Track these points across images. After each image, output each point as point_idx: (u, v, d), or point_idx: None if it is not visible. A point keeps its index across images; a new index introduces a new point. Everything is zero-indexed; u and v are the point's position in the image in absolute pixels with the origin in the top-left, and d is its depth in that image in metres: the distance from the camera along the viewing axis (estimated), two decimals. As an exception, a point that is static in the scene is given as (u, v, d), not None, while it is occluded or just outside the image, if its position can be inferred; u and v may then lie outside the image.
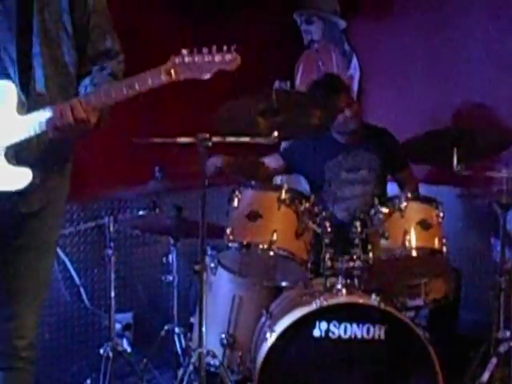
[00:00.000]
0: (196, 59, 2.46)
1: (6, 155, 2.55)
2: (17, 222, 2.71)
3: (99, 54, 2.72)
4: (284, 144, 4.67)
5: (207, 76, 2.48)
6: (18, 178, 2.56)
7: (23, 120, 2.54)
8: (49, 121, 2.50)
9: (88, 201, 4.45)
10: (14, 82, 2.55)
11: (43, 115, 2.52)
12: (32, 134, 2.53)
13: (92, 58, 2.72)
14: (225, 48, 2.48)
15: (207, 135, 3.28)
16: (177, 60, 2.47)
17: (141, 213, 4.11)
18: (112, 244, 3.87)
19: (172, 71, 2.46)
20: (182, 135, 3.35)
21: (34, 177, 2.56)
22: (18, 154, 2.57)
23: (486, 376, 3.64)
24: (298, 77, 5.66)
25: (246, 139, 3.51)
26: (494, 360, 3.65)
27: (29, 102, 2.57)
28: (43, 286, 2.90)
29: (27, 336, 2.83)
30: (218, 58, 2.47)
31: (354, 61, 5.54)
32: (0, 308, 2.80)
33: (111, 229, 3.86)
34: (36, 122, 2.53)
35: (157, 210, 4.03)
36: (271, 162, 4.46)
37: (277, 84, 5.34)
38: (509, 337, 3.60)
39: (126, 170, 4.52)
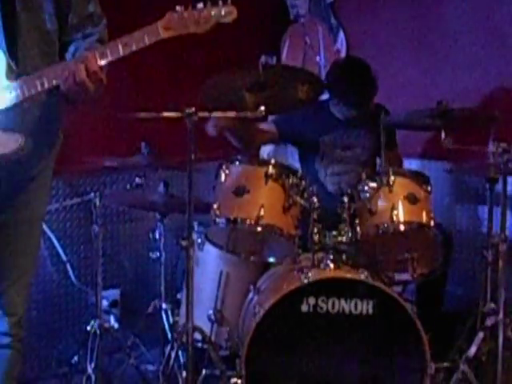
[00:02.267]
0: (192, 14, 2.46)
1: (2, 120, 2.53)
2: (6, 195, 2.69)
3: (83, 19, 2.71)
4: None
5: (204, 30, 2.48)
6: (9, 142, 2.53)
7: (13, 86, 2.51)
8: (60, 77, 2.48)
9: (74, 177, 4.44)
10: (1, 48, 2.52)
11: (32, 80, 2.50)
12: (21, 98, 2.51)
13: (75, 25, 2.70)
14: (220, 2, 2.48)
15: (193, 110, 3.26)
16: (174, 15, 2.46)
17: (127, 188, 4.09)
18: (98, 220, 3.85)
19: (169, 26, 2.46)
20: (168, 110, 3.33)
21: (25, 141, 2.53)
22: (7, 119, 2.53)
23: (472, 350, 3.65)
24: (285, 51, 5.64)
25: (233, 114, 3.51)
26: (480, 334, 3.66)
27: (18, 67, 2.54)
28: (31, 262, 2.89)
29: (16, 313, 2.82)
30: (214, 11, 2.47)
31: (341, 35, 5.51)
32: None
33: (97, 205, 3.84)
34: (26, 85, 2.50)
35: (143, 186, 4.02)
36: (265, 127, 4.43)
37: (263, 58, 5.33)
38: (495, 310, 3.60)
39: (111, 146, 4.50)
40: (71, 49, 2.70)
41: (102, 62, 2.47)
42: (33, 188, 2.76)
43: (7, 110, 2.52)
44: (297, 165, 4.45)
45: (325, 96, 4.33)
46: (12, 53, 2.54)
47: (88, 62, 2.45)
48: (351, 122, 4.34)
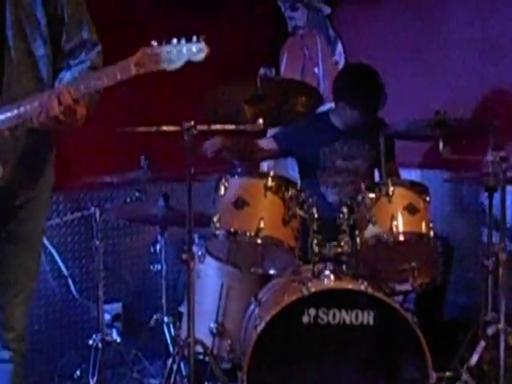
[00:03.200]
0: (164, 50, 2.42)
1: None
2: (3, 213, 2.70)
3: (75, 46, 2.70)
4: (275, 130, 4.67)
5: (175, 67, 2.43)
6: None
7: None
8: (33, 112, 2.46)
9: (74, 191, 4.44)
10: None
11: (11, 110, 2.49)
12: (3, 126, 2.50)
13: (68, 51, 2.70)
14: (194, 38, 2.43)
15: (192, 123, 3.26)
16: (147, 51, 2.42)
17: (127, 202, 4.13)
18: (99, 234, 3.86)
19: (141, 63, 2.41)
20: (168, 124, 3.33)
21: (3, 173, 2.55)
22: None
23: (474, 359, 3.66)
24: (283, 63, 5.66)
25: (232, 127, 3.51)
26: (482, 343, 3.66)
27: (1, 94, 2.54)
28: (31, 277, 2.89)
29: (16, 328, 2.82)
30: (185, 48, 2.42)
31: (339, 47, 5.53)
32: None
33: (98, 219, 3.86)
34: (6, 117, 2.49)
35: (143, 199, 4.06)
36: (264, 144, 4.44)
37: (262, 71, 5.35)
38: (497, 319, 3.59)
39: (111, 160, 4.50)
40: (60, 76, 2.69)
41: (75, 96, 2.44)
42: (31, 206, 2.76)
43: None
44: (297, 176, 4.46)
45: (323, 108, 4.34)
46: None
47: (61, 96, 2.41)
48: (351, 133, 4.35)
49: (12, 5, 2.56)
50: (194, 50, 2.41)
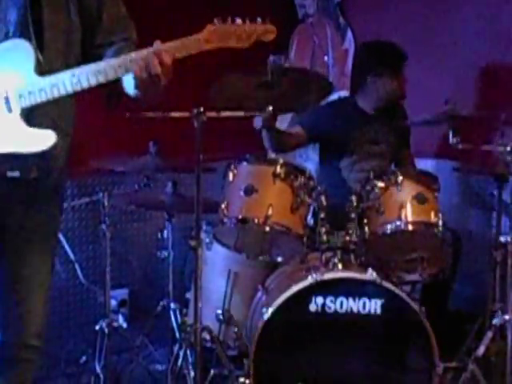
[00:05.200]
0: (233, 28, 2.47)
1: (24, 116, 2.46)
2: (20, 203, 2.65)
3: (117, 21, 2.69)
4: (300, 116, 4.66)
5: (244, 45, 2.50)
6: (39, 140, 2.47)
7: (43, 81, 2.45)
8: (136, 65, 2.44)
9: (82, 176, 4.46)
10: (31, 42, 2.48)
11: (65, 76, 2.45)
12: (55, 95, 2.45)
13: (109, 27, 2.67)
14: (259, 19, 2.50)
15: (202, 110, 3.26)
16: (213, 28, 2.46)
17: (136, 188, 4.12)
18: (107, 220, 3.87)
19: (211, 38, 2.46)
20: (177, 110, 3.34)
21: (57, 139, 2.48)
22: (36, 115, 2.48)
23: (481, 349, 3.65)
24: (293, 51, 5.68)
25: (241, 114, 3.52)
26: (489, 333, 3.66)
27: (46, 63, 2.50)
28: (48, 270, 2.82)
29: (35, 323, 2.76)
30: (255, 27, 2.49)
31: (349, 34, 5.54)
32: (5, 295, 2.72)
33: (106, 204, 3.86)
34: (57, 82, 2.44)
35: (152, 186, 4.06)
36: (293, 132, 4.42)
37: (271, 58, 5.32)
38: (504, 310, 3.61)
39: (120, 145, 4.52)
40: (104, 52, 2.64)
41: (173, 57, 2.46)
42: (48, 193, 2.71)
43: (36, 105, 2.47)
44: (305, 164, 4.45)
45: (333, 96, 4.33)
46: (40, 48, 2.50)
47: (163, 56, 2.43)
48: (377, 118, 4.34)
49: None
50: (263, 29, 2.50)
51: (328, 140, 4.40)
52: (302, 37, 5.66)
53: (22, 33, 2.49)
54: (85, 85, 2.44)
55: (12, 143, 2.46)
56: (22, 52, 2.46)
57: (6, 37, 2.49)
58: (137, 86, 2.48)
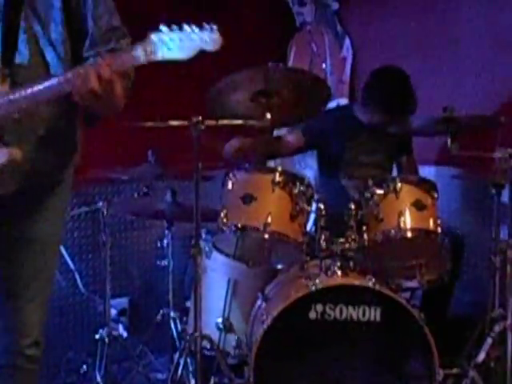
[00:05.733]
0: (175, 37, 2.28)
1: None
2: (20, 212, 2.63)
3: (105, 32, 2.57)
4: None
5: (186, 57, 2.30)
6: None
7: (6, 95, 2.42)
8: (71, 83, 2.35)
9: (81, 186, 4.45)
10: None
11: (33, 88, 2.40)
12: (15, 109, 2.41)
13: (97, 39, 2.57)
14: (206, 26, 2.29)
15: (200, 118, 3.28)
16: (154, 37, 2.28)
17: (135, 197, 4.15)
18: (106, 229, 3.89)
19: (149, 50, 2.27)
20: (175, 119, 3.35)
21: (19, 153, 2.43)
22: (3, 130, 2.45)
23: (481, 356, 3.66)
24: (291, 59, 5.68)
25: (239, 122, 3.53)
26: (489, 340, 3.66)
27: (12, 75, 2.45)
28: (48, 280, 2.81)
29: (31, 334, 2.72)
30: (198, 36, 2.29)
31: (347, 42, 5.56)
32: (3, 304, 2.70)
33: (105, 213, 3.89)
34: (22, 96, 2.40)
35: (151, 194, 4.08)
36: (291, 138, 4.43)
37: (270, 66, 5.34)
38: (504, 316, 3.61)
39: (119, 154, 4.52)
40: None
41: (114, 69, 2.33)
42: (50, 203, 2.69)
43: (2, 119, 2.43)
44: (304, 172, 4.46)
45: (332, 104, 4.34)
46: (7, 61, 2.46)
47: (101, 69, 2.30)
48: (375, 127, 4.32)
49: None
50: (207, 38, 2.29)
51: (325, 148, 4.41)
52: (300, 45, 5.67)
53: None
54: (30, 104, 2.41)
55: None
56: None
57: None
58: (81, 102, 2.39)
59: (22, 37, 2.49)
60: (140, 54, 2.29)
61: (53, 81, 2.39)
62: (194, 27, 2.28)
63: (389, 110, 4.18)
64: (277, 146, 4.30)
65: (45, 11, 2.53)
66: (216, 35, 2.30)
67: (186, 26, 2.28)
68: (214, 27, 2.30)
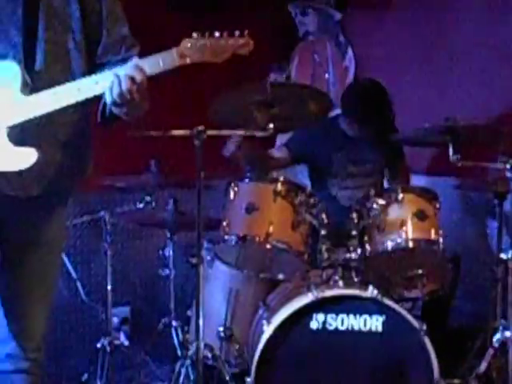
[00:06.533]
0: (209, 43, 2.44)
1: (9, 135, 2.49)
2: (26, 213, 2.65)
3: (116, 41, 2.67)
4: (285, 136, 4.68)
5: (221, 59, 2.46)
6: (22, 158, 2.49)
7: (28, 100, 2.49)
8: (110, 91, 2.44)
9: (84, 194, 4.45)
10: (18, 63, 2.50)
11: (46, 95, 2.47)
12: (37, 114, 2.47)
13: (108, 47, 2.67)
14: (237, 32, 2.47)
15: (202, 128, 3.29)
16: (189, 43, 2.44)
17: (137, 206, 4.13)
18: (108, 238, 3.91)
19: (185, 53, 2.43)
20: (178, 128, 3.35)
21: (38, 157, 2.48)
22: (21, 134, 2.50)
23: (483, 366, 3.66)
24: (294, 68, 5.66)
25: (242, 132, 3.57)
26: (490, 350, 3.66)
27: (33, 82, 2.51)
28: (51, 285, 2.84)
29: (35, 337, 2.77)
30: (231, 41, 2.46)
31: (349, 52, 5.57)
32: (7, 308, 2.72)
33: (107, 222, 3.91)
34: (42, 102, 2.47)
35: (153, 204, 4.06)
36: (277, 154, 4.47)
37: (272, 76, 5.36)
38: (505, 327, 3.62)
39: (121, 164, 4.53)
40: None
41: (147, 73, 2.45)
42: (59, 208, 2.75)
43: (21, 124, 2.49)
44: (306, 182, 4.48)
45: (334, 112, 4.36)
46: (29, 68, 2.52)
47: (135, 73, 2.42)
48: (361, 138, 4.36)
49: None
50: (240, 43, 2.46)
51: (312, 161, 4.46)
52: (303, 54, 5.65)
53: (16, 54, 2.52)
54: (63, 103, 2.47)
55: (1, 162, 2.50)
56: (9, 73, 2.49)
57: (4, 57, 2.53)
58: (112, 104, 2.48)
59: (41, 45, 2.54)
60: (175, 57, 2.44)
61: (83, 82, 2.49)
62: (224, 33, 2.46)
63: (359, 119, 4.26)
64: (264, 158, 4.34)
65: (63, 21, 2.59)
66: (247, 39, 2.48)
67: (216, 33, 2.45)
68: (245, 32, 2.48)
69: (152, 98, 4.17)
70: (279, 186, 3.61)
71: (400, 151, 4.56)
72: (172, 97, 4.71)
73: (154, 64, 2.44)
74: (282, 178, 3.67)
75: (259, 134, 3.56)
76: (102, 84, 2.46)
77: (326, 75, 5.55)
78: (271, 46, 5.38)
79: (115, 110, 2.53)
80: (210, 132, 3.32)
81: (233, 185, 3.69)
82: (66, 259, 4.37)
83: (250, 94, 3.64)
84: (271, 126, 3.50)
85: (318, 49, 5.61)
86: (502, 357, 3.64)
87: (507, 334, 3.58)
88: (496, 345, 3.65)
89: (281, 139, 4.87)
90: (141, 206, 4.10)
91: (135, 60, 2.49)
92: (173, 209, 4.03)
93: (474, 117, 4.48)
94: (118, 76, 2.41)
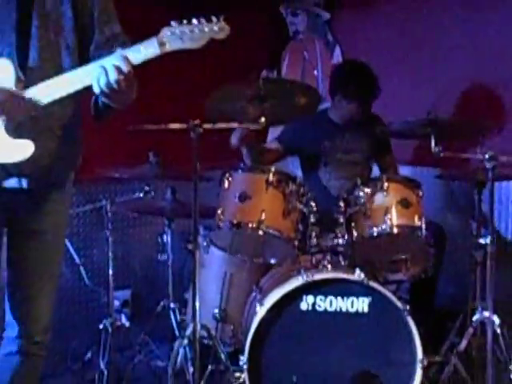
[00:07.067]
0: (187, 29, 2.43)
1: (6, 128, 2.52)
2: (29, 203, 2.71)
3: (107, 39, 2.71)
4: (276, 129, 4.80)
5: (199, 45, 2.45)
6: (19, 149, 2.52)
7: (26, 93, 2.52)
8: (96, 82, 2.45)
9: (87, 184, 4.54)
10: (12, 61, 2.54)
11: (38, 89, 2.51)
12: (45, 102, 2.52)
13: (100, 44, 2.71)
14: (214, 18, 2.45)
15: (198, 122, 3.34)
16: (168, 31, 2.43)
17: (137, 195, 4.15)
18: (110, 225, 3.95)
19: (165, 41, 2.43)
20: (175, 122, 3.40)
21: (36, 148, 2.52)
22: (18, 127, 2.53)
23: (463, 344, 3.75)
24: (284, 66, 5.78)
25: (235, 125, 3.65)
26: (470, 330, 3.74)
27: (26, 78, 2.54)
28: (56, 268, 2.89)
29: (42, 319, 2.83)
30: (208, 27, 2.44)
31: (337, 50, 5.67)
32: (14, 291, 2.79)
33: (109, 211, 3.94)
34: (38, 96, 2.51)
35: (152, 193, 4.10)
36: (271, 147, 4.59)
37: (264, 73, 5.47)
38: (484, 307, 3.65)
39: (122, 156, 4.60)
40: None
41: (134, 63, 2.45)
42: (60, 196, 2.80)
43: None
44: (297, 172, 4.56)
45: (321, 107, 4.48)
46: (22, 64, 2.56)
47: (121, 63, 2.43)
48: (349, 128, 4.48)
49: None
50: (216, 28, 2.45)
51: (303, 152, 4.56)
52: (293, 53, 5.76)
53: (10, 51, 2.58)
54: (56, 95, 2.51)
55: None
56: (3, 70, 2.53)
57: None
58: (101, 94, 2.49)
59: (34, 43, 2.60)
60: (156, 45, 2.44)
61: (82, 69, 2.51)
62: (202, 20, 2.46)
63: (350, 96, 4.36)
64: (263, 151, 4.45)
65: (56, 19, 2.65)
66: (223, 24, 2.47)
67: (194, 20, 2.45)
68: (221, 18, 2.47)
69: (151, 94, 4.30)
70: (271, 176, 3.66)
71: (387, 143, 4.66)
72: (170, 92, 4.79)
73: (137, 53, 2.45)
74: (273, 169, 3.71)
75: (252, 126, 3.65)
76: (91, 75, 2.47)
77: (315, 72, 5.67)
78: (263, 45, 5.50)
79: (104, 100, 2.53)
80: (206, 125, 3.36)
81: (227, 175, 3.74)
82: (69, 245, 4.43)
83: (243, 89, 3.73)
84: (263, 119, 3.60)
85: (307, 47, 5.71)
86: (481, 336, 3.69)
87: (486, 314, 3.58)
88: (475, 324, 3.71)
89: (272, 133, 4.99)
90: (140, 195, 4.12)
91: (119, 50, 2.48)
92: (171, 198, 4.07)
93: (455, 111, 4.62)
94: (103, 67, 2.43)
